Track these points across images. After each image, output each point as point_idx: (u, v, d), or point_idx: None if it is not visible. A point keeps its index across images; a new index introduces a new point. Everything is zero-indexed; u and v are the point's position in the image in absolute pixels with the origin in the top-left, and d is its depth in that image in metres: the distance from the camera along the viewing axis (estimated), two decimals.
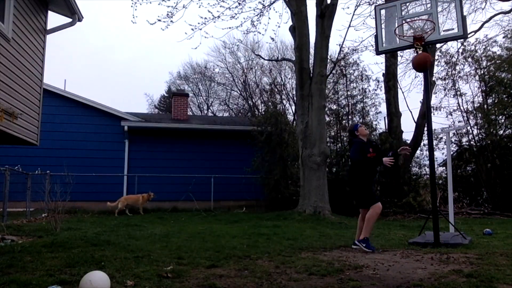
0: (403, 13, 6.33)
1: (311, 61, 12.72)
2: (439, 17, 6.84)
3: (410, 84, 40.68)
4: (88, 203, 12.68)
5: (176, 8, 12.60)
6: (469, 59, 14.18)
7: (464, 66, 14.35)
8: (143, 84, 47.51)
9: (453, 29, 6.07)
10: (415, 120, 14.78)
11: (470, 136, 14.25)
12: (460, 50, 14.42)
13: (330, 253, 4.95)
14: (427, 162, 12.05)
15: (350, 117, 15.30)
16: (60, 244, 5.15)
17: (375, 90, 16.05)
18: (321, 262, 4.19)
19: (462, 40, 12.78)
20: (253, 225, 8.70)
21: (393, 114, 14.59)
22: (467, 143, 14.45)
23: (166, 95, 33.74)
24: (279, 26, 18.61)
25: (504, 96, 13.69)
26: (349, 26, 14.93)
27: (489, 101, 14.18)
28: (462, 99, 14.16)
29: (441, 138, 14.08)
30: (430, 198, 8.30)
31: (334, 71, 15.01)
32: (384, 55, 13.94)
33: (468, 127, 14.00)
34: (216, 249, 5.11)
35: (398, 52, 13.85)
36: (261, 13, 13.61)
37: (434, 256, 4.49)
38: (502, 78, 13.79)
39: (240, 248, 5.25)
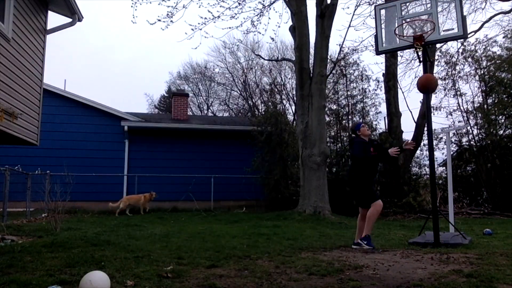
0: (403, 13, 6.33)
1: (311, 61, 12.72)
2: (439, 17, 6.84)
3: (410, 84, 40.24)
4: (88, 203, 12.68)
5: (176, 8, 12.61)
6: (469, 59, 14.18)
7: (464, 66, 14.37)
8: (143, 84, 47.55)
9: (453, 29, 6.07)
10: (415, 120, 14.79)
11: (470, 136, 14.26)
12: (460, 50, 14.44)
13: (330, 253, 4.95)
14: (427, 162, 12.04)
15: (350, 117, 15.30)
16: (60, 244, 5.15)
17: (375, 90, 16.08)
18: (321, 262, 4.19)
19: (462, 40, 12.79)
20: (253, 225, 8.70)
21: (393, 114, 14.60)
22: (467, 143, 14.45)
23: (166, 95, 33.74)
24: (279, 26, 18.64)
25: (504, 96, 13.69)
26: (349, 26, 14.94)
27: (489, 101, 14.18)
28: (462, 99, 14.18)
29: (441, 138, 14.09)
30: (430, 198, 8.30)
31: (334, 71, 15.01)
32: (384, 55, 13.95)
33: (468, 127, 14.00)
34: (216, 249, 5.11)
35: (398, 52, 13.86)
36: (261, 13, 13.63)
37: (434, 256, 4.49)
38: (502, 78, 13.79)
39: (240, 248, 5.25)
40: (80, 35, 49.23)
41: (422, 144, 14.54)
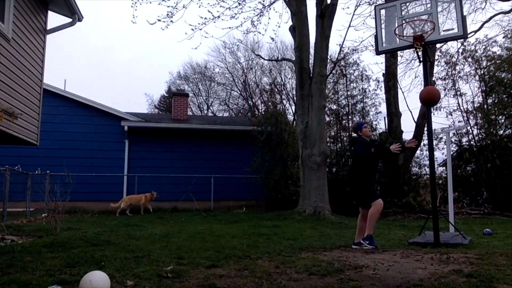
0: (403, 13, 6.33)
1: (311, 61, 12.72)
2: (439, 17, 6.84)
3: (410, 84, 40.79)
4: (88, 203, 12.68)
5: (176, 8, 12.62)
6: (469, 59, 14.19)
7: (464, 66, 14.38)
8: (143, 84, 47.55)
9: (453, 29, 6.07)
10: (415, 120, 14.79)
11: (470, 136, 14.27)
12: (460, 50, 14.45)
13: (330, 253, 4.95)
14: (427, 162, 12.03)
15: (350, 117, 15.30)
16: (60, 244, 5.15)
17: (375, 90, 16.10)
18: (321, 262, 4.19)
19: (462, 40, 12.79)
20: (253, 225, 8.70)
21: (393, 114, 14.60)
22: (467, 143, 14.46)
23: (166, 95, 33.74)
24: (279, 26, 18.63)
25: (504, 96, 13.70)
26: (349, 26, 14.94)
27: (489, 101, 14.18)
28: (462, 99, 14.19)
29: (441, 138, 14.09)
30: (430, 198, 8.30)
31: (334, 71, 15.01)
32: (384, 55, 13.95)
33: (468, 127, 14.01)
34: (216, 249, 5.10)
35: (398, 52, 13.86)
36: (261, 13, 13.63)
37: (434, 256, 4.49)
38: (502, 78, 13.79)
39: (240, 248, 5.25)
40: (80, 35, 49.30)
41: (422, 144, 14.54)
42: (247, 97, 24.67)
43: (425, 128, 9.52)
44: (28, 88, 6.55)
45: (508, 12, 13.69)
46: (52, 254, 4.56)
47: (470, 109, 14.18)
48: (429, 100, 5.78)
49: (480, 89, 14.14)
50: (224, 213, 12.36)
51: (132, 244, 5.49)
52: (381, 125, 15.67)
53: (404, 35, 6.18)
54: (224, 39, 37.08)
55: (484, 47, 14.20)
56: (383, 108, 17.74)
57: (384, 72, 15.19)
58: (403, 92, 20.00)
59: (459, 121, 14.22)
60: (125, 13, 34.17)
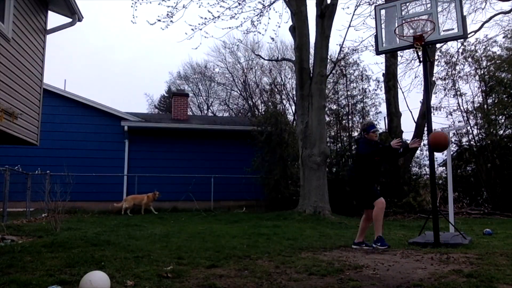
0: (403, 13, 6.33)
1: (311, 61, 12.72)
2: (439, 17, 6.84)
3: (410, 84, 40.77)
4: (88, 203, 12.68)
5: (176, 8, 12.61)
6: (469, 59, 14.19)
7: (464, 66, 14.37)
8: (143, 84, 47.56)
9: (453, 29, 6.07)
10: (415, 120, 14.79)
11: (470, 136, 14.27)
12: (460, 50, 14.45)
13: (330, 253, 4.95)
14: (427, 162, 12.03)
15: (350, 117, 15.30)
16: (60, 244, 5.15)
17: (375, 90, 16.06)
18: (321, 262, 4.19)
19: (462, 40, 12.79)
20: (253, 225, 8.70)
21: (393, 114, 14.60)
22: (467, 143, 14.46)
23: (166, 95, 33.74)
24: (279, 26, 18.61)
25: (504, 96, 13.70)
26: (349, 26, 14.93)
27: (489, 101, 14.18)
28: (462, 99, 14.18)
29: None
30: (430, 198, 8.29)
31: (334, 71, 15.00)
32: (384, 55, 13.95)
33: (468, 127, 14.01)
34: (216, 249, 5.10)
35: (398, 52, 13.86)
36: (261, 13, 13.63)
37: (434, 256, 4.49)
38: (502, 78, 13.79)
39: (240, 248, 5.25)
40: (80, 35, 49.30)
41: (422, 144, 14.54)
42: (247, 97, 24.67)
43: (425, 128, 9.53)
44: (28, 88, 6.55)
45: (508, 12, 13.69)
46: (52, 254, 4.56)
47: (470, 109, 14.19)
48: (436, 146, 5.62)
49: (480, 89, 14.14)
50: (224, 213, 12.36)
51: (132, 244, 5.49)
52: (381, 125, 15.66)
53: (404, 35, 6.18)
54: (224, 39, 37.14)
55: (484, 47, 14.21)
56: (383, 108, 17.76)
57: (384, 72, 15.19)
58: (403, 92, 20.00)
59: (459, 121, 14.23)
60: (125, 13, 34.21)
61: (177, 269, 3.78)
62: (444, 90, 14.52)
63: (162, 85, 44.13)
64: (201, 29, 12.93)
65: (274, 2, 13.59)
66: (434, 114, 13.98)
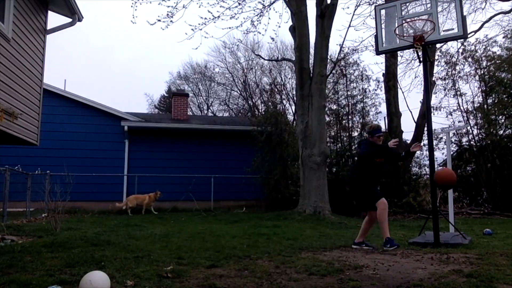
0: (403, 13, 6.33)
1: (311, 61, 12.72)
2: (439, 17, 6.84)
3: (410, 84, 40.79)
4: (88, 203, 12.68)
5: (176, 8, 12.61)
6: (469, 59, 14.20)
7: (464, 66, 14.39)
8: (143, 84, 47.56)
9: (453, 29, 6.07)
10: (415, 120, 14.80)
11: (470, 136, 14.28)
12: (460, 50, 14.46)
13: (330, 253, 4.95)
14: (427, 162, 12.02)
15: (350, 117, 15.30)
16: (60, 244, 5.14)
17: (375, 90, 16.10)
18: (321, 262, 4.19)
19: (462, 40, 12.79)
20: (253, 225, 8.70)
21: (393, 114, 14.61)
22: (467, 143, 14.46)
23: (166, 95, 33.74)
24: (279, 26, 18.61)
25: (504, 96, 13.70)
26: (349, 26, 14.94)
27: (489, 101, 14.19)
28: (462, 99, 14.20)
29: (441, 138, 14.09)
30: (430, 198, 8.30)
31: (334, 71, 15.00)
32: (384, 55, 13.95)
33: (468, 127, 14.01)
34: (216, 249, 5.10)
35: (398, 52, 13.86)
36: (261, 13, 13.63)
37: (434, 256, 4.49)
38: (502, 78, 13.80)
39: (240, 248, 5.25)
40: (80, 35, 49.30)
41: (422, 144, 14.53)
42: (247, 97, 24.67)
43: (425, 128, 9.53)
44: (28, 88, 6.55)
45: (508, 12, 13.70)
46: (52, 254, 4.56)
47: (470, 109, 14.20)
48: (444, 182, 5.64)
49: (480, 89, 14.16)
50: (224, 213, 12.36)
51: (132, 244, 5.49)
52: (381, 125, 15.66)
53: (404, 35, 6.18)
54: (224, 39, 37.11)
55: (484, 47, 14.23)
56: (383, 108, 17.78)
57: (384, 72, 15.20)
58: (403, 92, 20.02)
59: (459, 121, 14.24)
60: (125, 13, 34.21)
61: (177, 269, 3.78)
62: (444, 90, 14.56)
63: (162, 85, 44.17)
64: (201, 29, 12.95)
65: (274, 2, 13.61)
66: (434, 114, 14.02)
